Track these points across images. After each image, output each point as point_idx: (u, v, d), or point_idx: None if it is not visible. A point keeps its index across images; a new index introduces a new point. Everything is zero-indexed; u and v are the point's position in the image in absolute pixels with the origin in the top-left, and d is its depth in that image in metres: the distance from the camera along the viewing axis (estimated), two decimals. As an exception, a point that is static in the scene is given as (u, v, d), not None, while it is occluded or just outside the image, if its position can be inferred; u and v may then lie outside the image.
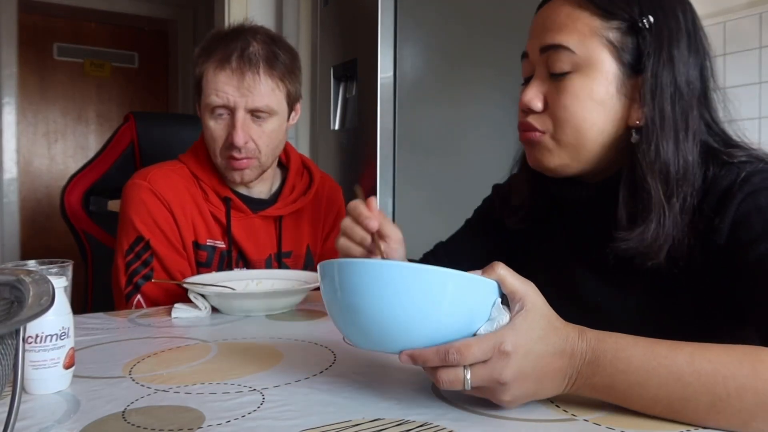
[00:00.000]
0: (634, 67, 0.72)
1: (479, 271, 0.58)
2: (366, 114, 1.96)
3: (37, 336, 0.64)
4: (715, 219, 0.67)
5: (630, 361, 0.55)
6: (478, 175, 2.11)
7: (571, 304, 0.63)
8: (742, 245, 0.65)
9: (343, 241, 0.87)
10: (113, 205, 1.48)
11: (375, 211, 0.85)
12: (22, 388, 0.46)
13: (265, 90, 1.13)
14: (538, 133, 0.76)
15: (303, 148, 2.49)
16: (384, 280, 0.55)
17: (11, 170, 3.61)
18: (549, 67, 0.75)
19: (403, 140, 1.92)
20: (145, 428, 0.55)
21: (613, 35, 0.72)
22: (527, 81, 0.79)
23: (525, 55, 0.80)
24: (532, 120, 0.77)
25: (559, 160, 0.76)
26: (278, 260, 1.27)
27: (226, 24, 2.40)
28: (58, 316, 0.66)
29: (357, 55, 2.01)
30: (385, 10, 1.88)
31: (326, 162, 2.23)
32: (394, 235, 0.87)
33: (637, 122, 0.72)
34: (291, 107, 1.22)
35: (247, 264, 1.24)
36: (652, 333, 0.57)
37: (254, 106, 1.13)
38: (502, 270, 0.58)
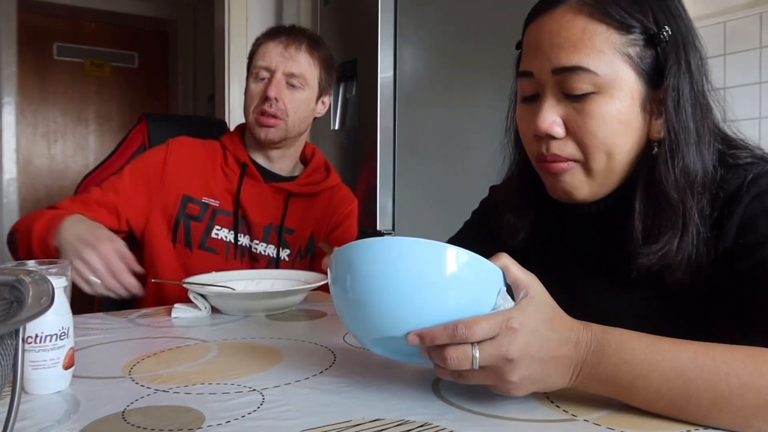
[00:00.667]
0: (653, 81, 0.69)
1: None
2: (366, 114, 1.96)
3: (36, 336, 0.64)
4: (723, 222, 0.67)
5: (634, 352, 0.55)
6: (478, 174, 2.10)
7: (574, 307, 0.63)
8: (747, 248, 0.65)
9: None
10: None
11: None
12: (22, 388, 0.46)
13: (303, 61, 1.30)
14: (567, 163, 0.71)
15: (303, 148, 2.49)
16: (396, 255, 0.56)
17: (11, 170, 3.61)
18: (564, 88, 0.69)
19: (403, 140, 1.92)
20: (145, 428, 0.55)
21: (633, 50, 0.68)
22: (527, 100, 0.75)
23: (526, 74, 0.73)
24: (556, 150, 0.71)
25: (590, 189, 0.73)
26: (278, 233, 1.33)
27: (226, 24, 2.42)
28: (58, 316, 0.66)
29: (357, 55, 2.01)
30: (385, 10, 1.88)
31: (326, 162, 2.23)
32: None
33: (657, 135, 0.70)
34: (320, 94, 1.36)
35: (249, 226, 1.31)
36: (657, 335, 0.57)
37: (291, 71, 1.29)
38: (506, 259, 0.59)
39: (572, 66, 0.68)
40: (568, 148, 0.71)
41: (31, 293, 0.46)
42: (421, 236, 0.94)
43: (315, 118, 1.40)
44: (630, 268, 0.70)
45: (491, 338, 0.55)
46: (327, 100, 1.39)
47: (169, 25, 4.29)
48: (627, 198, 0.72)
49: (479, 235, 0.97)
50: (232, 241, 1.30)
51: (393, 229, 1.88)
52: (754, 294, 0.64)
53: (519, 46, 0.78)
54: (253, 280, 1.19)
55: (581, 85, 0.68)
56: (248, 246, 1.31)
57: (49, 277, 0.51)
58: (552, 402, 0.61)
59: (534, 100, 0.73)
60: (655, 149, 0.69)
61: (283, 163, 1.37)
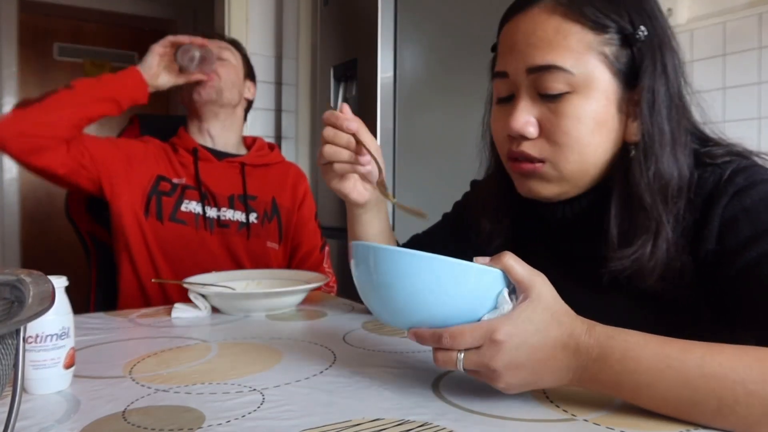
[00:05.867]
0: (629, 81, 0.68)
1: (487, 259, 0.59)
2: (366, 114, 1.96)
3: (37, 336, 0.65)
4: (702, 225, 0.66)
5: (639, 361, 0.54)
6: (478, 174, 2.10)
7: None
8: (731, 252, 0.63)
9: (328, 149, 0.80)
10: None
11: (350, 114, 0.81)
12: (23, 388, 0.46)
13: (225, 45, 1.49)
14: (537, 165, 0.71)
15: (303, 148, 2.49)
16: (394, 265, 0.58)
17: (12, 170, 3.61)
18: (539, 88, 0.69)
19: (403, 140, 1.92)
20: (145, 428, 0.55)
21: (608, 50, 0.67)
22: (502, 101, 0.74)
23: (501, 74, 0.73)
24: (527, 149, 0.70)
25: (559, 188, 0.72)
26: (243, 202, 1.45)
27: (226, 24, 2.42)
28: (59, 316, 0.66)
29: (357, 55, 2.01)
30: (385, 10, 1.88)
31: (326, 162, 2.23)
32: (372, 143, 0.82)
33: (634, 138, 0.69)
34: (245, 76, 1.53)
35: (214, 199, 1.43)
36: None
37: (219, 47, 1.46)
38: (509, 260, 0.58)
39: (547, 65, 0.67)
40: (539, 148, 0.70)
41: (31, 293, 0.46)
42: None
43: (250, 104, 1.57)
44: (602, 272, 0.69)
45: (476, 347, 0.56)
46: (253, 88, 1.56)
47: (169, 25, 4.29)
48: (604, 201, 0.71)
49: (454, 229, 0.96)
50: (201, 213, 1.40)
51: (393, 229, 1.88)
52: (743, 299, 0.63)
53: (494, 48, 0.78)
54: (253, 280, 1.19)
55: (556, 84, 0.67)
56: (216, 217, 1.42)
57: (50, 277, 0.51)
58: (552, 402, 0.61)
59: (509, 101, 0.73)
60: (633, 152, 0.69)
61: (225, 138, 1.49)
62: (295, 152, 2.49)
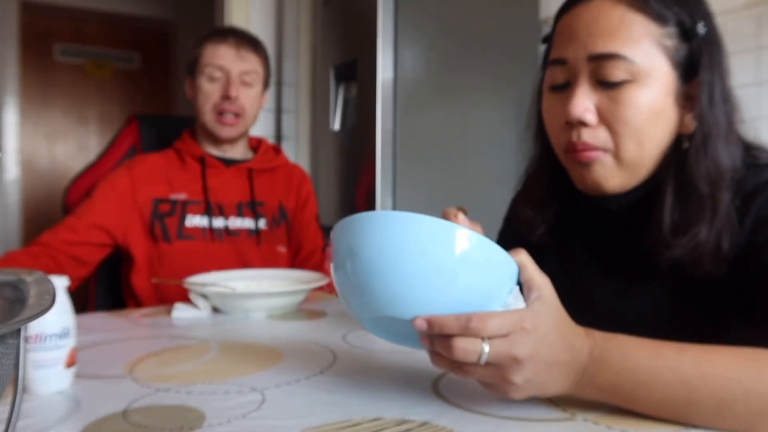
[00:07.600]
0: (686, 75, 0.70)
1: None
2: (366, 115, 1.96)
3: (38, 336, 0.65)
4: (740, 219, 0.67)
5: (637, 360, 0.55)
6: (479, 175, 2.11)
7: (582, 306, 0.62)
8: (758, 246, 0.65)
9: None
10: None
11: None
12: (24, 388, 0.46)
13: (253, 60, 1.42)
14: (598, 152, 0.71)
15: (303, 149, 2.49)
16: (414, 234, 0.53)
17: (13, 170, 3.61)
18: (599, 75, 0.69)
19: (403, 141, 1.92)
20: (146, 428, 0.55)
21: (669, 42, 0.69)
22: (556, 89, 0.74)
23: (559, 62, 0.73)
24: (588, 138, 0.71)
25: (619, 180, 0.72)
26: (252, 208, 1.44)
27: (226, 25, 2.42)
28: (60, 316, 0.66)
29: (357, 56, 2.01)
30: (385, 11, 1.88)
31: (326, 162, 2.23)
32: None
33: (686, 130, 0.70)
34: (263, 89, 1.48)
35: (221, 209, 1.40)
36: (665, 337, 0.57)
37: (245, 69, 1.39)
38: (524, 256, 0.58)
39: (609, 53, 0.68)
40: (600, 137, 0.71)
41: (32, 293, 0.46)
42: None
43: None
44: (650, 263, 0.70)
45: (503, 336, 0.53)
46: (266, 95, 1.52)
47: (170, 25, 4.29)
48: (650, 194, 0.72)
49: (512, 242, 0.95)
50: (207, 226, 1.38)
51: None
52: (759, 296, 0.64)
53: (546, 40, 0.79)
54: (253, 280, 1.19)
55: (617, 72, 0.68)
56: (224, 227, 1.40)
57: (51, 277, 0.51)
58: (551, 401, 0.61)
59: (565, 88, 0.73)
60: (686, 144, 0.70)
61: (235, 151, 1.47)
62: (295, 152, 2.49)
